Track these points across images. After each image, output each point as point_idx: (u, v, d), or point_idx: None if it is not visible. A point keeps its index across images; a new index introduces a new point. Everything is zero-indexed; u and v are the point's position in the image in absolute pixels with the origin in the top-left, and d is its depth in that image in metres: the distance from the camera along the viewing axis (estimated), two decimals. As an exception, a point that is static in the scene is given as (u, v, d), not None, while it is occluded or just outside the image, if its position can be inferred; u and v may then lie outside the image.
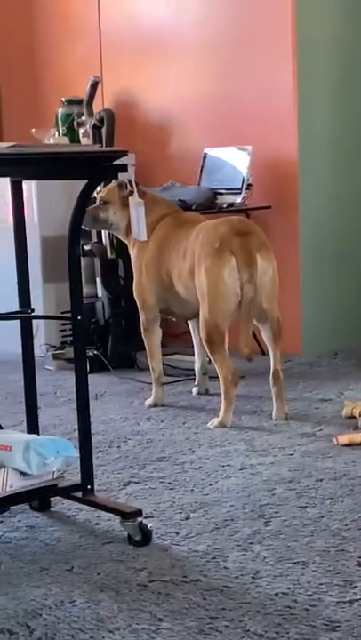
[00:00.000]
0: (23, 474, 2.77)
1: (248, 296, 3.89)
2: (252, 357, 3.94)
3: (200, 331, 4.06)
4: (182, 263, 4.16)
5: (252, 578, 2.49)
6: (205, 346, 4.03)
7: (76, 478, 3.04)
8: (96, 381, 4.81)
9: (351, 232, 5.55)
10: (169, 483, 3.29)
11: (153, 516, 2.97)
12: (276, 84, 5.29)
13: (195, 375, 4.60)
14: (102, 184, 4.55)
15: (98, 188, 4.47)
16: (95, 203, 4.42)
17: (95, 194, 4.45)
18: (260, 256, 3.94)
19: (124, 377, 4.95)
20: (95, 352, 5.09)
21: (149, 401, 4.40)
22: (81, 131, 5.46)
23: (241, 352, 3.90)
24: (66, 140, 5.62)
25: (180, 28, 5.78)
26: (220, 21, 5.57)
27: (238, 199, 5.21)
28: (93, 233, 5.20)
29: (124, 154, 2.77)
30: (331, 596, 2.37)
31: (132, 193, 4.17)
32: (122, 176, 2.90)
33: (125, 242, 4.49)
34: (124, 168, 2.74)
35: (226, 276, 3.91)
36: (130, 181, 4.12)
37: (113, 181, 4.45)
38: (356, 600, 2.33)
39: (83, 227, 3.06)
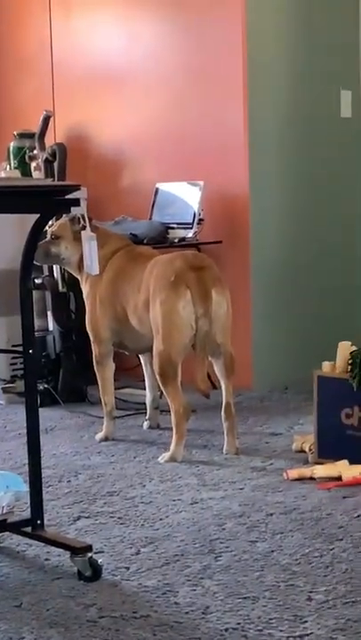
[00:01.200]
0: (-28, 509, 2.74)
1: (203, 330, 3.91)
2: (209, 394, 3.95)
3: (153, 363, 4.06)
4: (137, 297, 4.17)
5: (203, 613, 2.49)
6: (158, 378, 4.04)
7: (26, 513, 3.02)
8: (47, 415, 4.78)
9: (302, 267, 5.59)
10: (119, 517, 3.28)
11: (103, 551, 2.95)
12: (228, 119, 5.34)
13: (146, 409, 4.60)
14: (54, 218, 4.56)
15: (50, 223, 4.47)
16: (46, 237, 4.42)
17: (47, 227, 4.45)
18: (215, 291, 3.97)
19: (74, 411, 4.93)
20: (46, 386, 5.07)
21: (100, 435, 4.39)
22: (33, 164, 5.47)
23: (198, 388, 3.91)
24: (17, 174, 5.63)
25: (133, 62, 5.82)
26: (172, 57, 5.62)
27: (190, 234, 5.24)
28: (45, 266, 5.20)
29: (76, 188, 2.77)
30: (281, 631, 2.37)
31: (84, 227, 4.18)
32: (74, 210, 2.90)
33: (77, 276, 4.49)
34: (76, 202, 2.75)
35: (181, 309, 3.93)
36: (82, 216, 4.13)
37: (64, 216, 4.46)
38: (307, 635, 2.34)
39: (34, 262, 3.06)
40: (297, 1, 5.52)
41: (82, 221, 4.20)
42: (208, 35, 5.43)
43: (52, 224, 4.49)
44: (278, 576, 2.72)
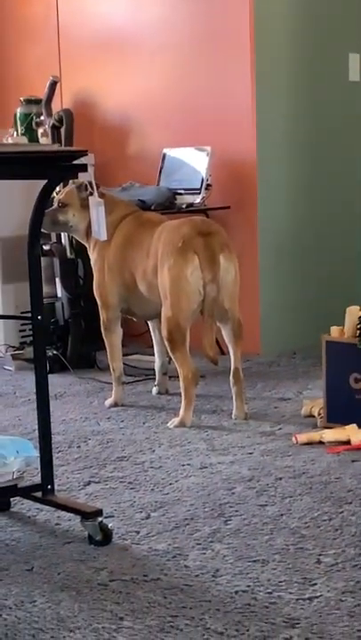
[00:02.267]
0: (-17, 474, 2.76)
1: (211, 296, 3.91)
2: (217, 360, 3.96)
3: (162, 329, 4.07)
4: (146, 262, 4.17)
5: (212, 576, 2.51)
6: (167, 344, 4.04)
7: (36, 478, 3.04)
8: (56, 381, 4.80)
9: (310, 232, 5.58)
10: (129, 482, 3.30)
11: (113, 516, 2.97)
12: (235, 84, 5.31)
13: (155, 375, 4.61)
14: (61, 185, 4.55)
15: (57, 189, 4.46)
16: (53, 205, 4.41)
17: (55, 194, 4.45)
18: (223, 256, 3.97)
19: (83, 377, 4.95)
20: (55, 352, 5.08)
21: (110, 401, 4.40)
22: (40, 130, 5.45)
23: (206, 354, 3.91)
24: (24, 140, 5.61)
25: (140, 28, 5.78)
26: (179, 22, 5.58)
27: (197, 199, 5.23)
28: (53, 233, 5.19)
29: (83, 153, 2.76)
30: (290, 593, 2.38)
31: (91, 194, 4.16)
32: (81, 176, 2.89)
33: (85, 244, 4.49)
34: (83, 168, 2.74)
35: (189, 275, 3.93)
36: (90, 182, 4.12)
37: (71, 183, 4.45)
38: (316, 597, 2.35)
39: (42, 229, 3.06)
40: None
41: (89, 188, 4.19)
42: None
43: (59, 191, 4.48)
44: (287, 539, 2.73)
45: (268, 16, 5.29)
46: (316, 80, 5.56)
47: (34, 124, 5.53)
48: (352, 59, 5.69)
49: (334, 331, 3.88)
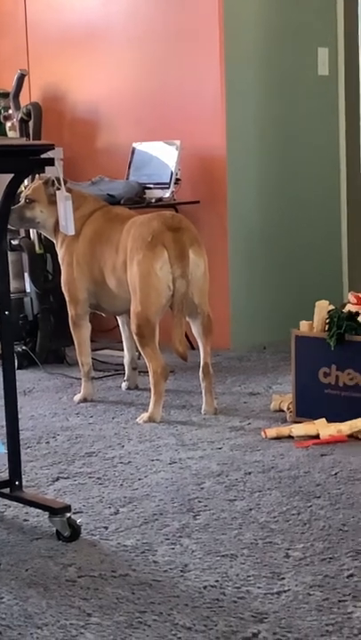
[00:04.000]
0: None
1: (180, 291, 3.91)
2: (187, 355, 3.95)
3: (131, 324, 4.05)
4: (115, 257, 4.15)
5: (181, 571, 2.50)
6: (136, 339, 4.03)
7: (4, 474, 3.02)
8: (25, 377, 4.78)
9: (280, 227, 5.59)
10: (98, 478, 3.29)
11: (82, 512, 2.96)
12: (205, 79, 5.31)
13: (124, 370, 4.60)
14: (30, 178, 4.52)
15: (25, 183, 4.44)
16: (20, 201, 4.38)
17: (22, 189, 4.42)
18: (193, 251, 3.96)
19: (52, 372, 4.93)
20: (24, 347, 5.06)
21: (79, 396, 4.39)
22: (8, 124, 5.42)
23: (176, 349, 3.91)
24: (-7, 134, 5.58)
25: (109, 21, 5.76)
26: (148, 15, 5.57)
27: (167, 194, 5.22)
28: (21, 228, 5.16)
29: (50, 147, 2.75)
30: (259, 588, 2.38)
31: (58, 189, 4.14)
32: (49, 170, 2.88)
33: (53, 239, 4.47)
34: (51, 162, 2.73)
35: (158, 270, 3.92)
36: (57, 178, 4.10)
37: (38, 179, 4.43)
38: (284, 591, 2.35)
39: (9, 226, 3.04)
40: None
41: (56, 183, 4.17)
42: (184, -8, 5.38)
43: (27, 187, 4.46)
44: (256, 534, 2.73)
45: (238, 10, 5.29)
46: (285, 74, 5.56)
47: (1, 117, 5.50)
48: (321, 53, 5.70)
49: (304, 325, 3.88)
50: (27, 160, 2.75)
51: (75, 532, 2.75)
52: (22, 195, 4.39)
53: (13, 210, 4.15)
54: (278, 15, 5.50)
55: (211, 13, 5.23)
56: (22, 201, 4.39)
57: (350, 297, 3.91)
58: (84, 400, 4.36)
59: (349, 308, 3.79)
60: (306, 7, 5.63)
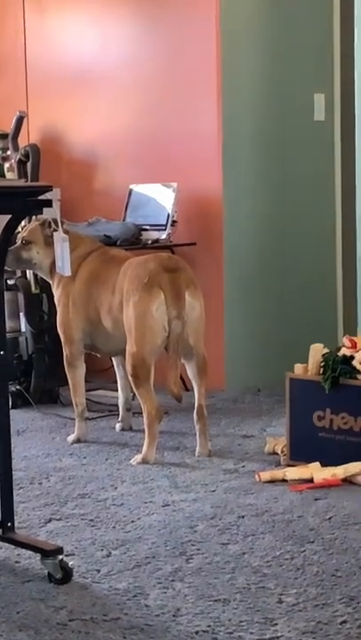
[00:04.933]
0: None
1: (176, 332, 3.91)
2: (181, 397, 3.95)
3: (126, 364, 4.05)
4: (111, 298, 4.16)
5: (173, 616, 2.48)
6: (131, 380, 4.03)
7: (-3, 515, 3.00)
8: (18, 417, 4.77)
9: (275, 269, 5.60)
10: (91, 520, 3.27)
11: (74, 554, 2.94)
12: (202, 121, 5.34)
13: (118, 411, 4.59)
14: (27, 219, 4.54)
15: (22, 224, 4.45)
16: (17, 242, 4.39)
17: (19, 230, 4.44)
18: (189, 293, 3.97)
19: (46, 412, 4.92)
20: (18, 387, 5.05)
21: (72, 437, 4.37)
22: (6, 165, 5.45)
23: (170, 391, 3.91)
24: (-9, 174, 5.60)
25: (107, 63, 5.81)
26: (146, 58, 5.62)
27: (163, 235, 5.24)
28: (17, 268, 5.18)
29: (48, 189, 2.77)
30: (251, 633, 2.36)
31: (55, 230, 4.16)
32: (47, 211, 2.89)
33: (49, 280, 4.48)
34: (48, 203, 2.74)
35: (154, 311, 3.93)
36: (54, 220, 4.12)
37: (34, 220, 4.45)
38: (277, 637, 2.34)
39: (6, 267, 3.05)
40: (270, 6, 5.53)
41: (53, 225, 4.19)
42: (182, 37, 5.44)
43: (23, 228, 4.48)
44: (249, 578, 2.72)
45: (235, 55, 5.34)
46: (281, 119, 5.60)
47: (0, 158, 5.53)
48: (317, 99, 5.75)
49: (298, 368, 3.89)
50: (25, 201, 2.77)
51: (66, 574, 2.73)
52: (19, 236, 4.41)
53: (10, 251, 4.17)
54: (275, 60, 5.56)
55: (208, 57, 5.28)
56: (19, 242, 4.40)
57: (345, 340, 3.91)
58: (78, 440, 4.35)
59: (344, 351, 3.80)
60: (302, 53, 5.68)
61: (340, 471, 3.61)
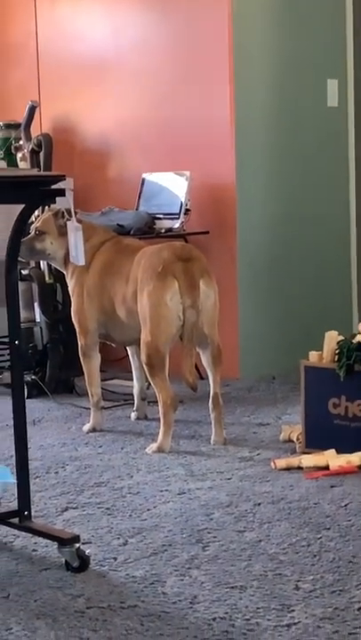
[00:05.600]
0: None
1: (190, 321, 3.91)
2: (196, 386, 3.95)
3: (141, 354, 4.06)
4: (125, 288, 4.16)
5: (190, 603, 2.49)
6: (146, 369, 4.03)
7: (14, 504, 3.02)
8: (34, 407, 4.78)
9: (289, 257, 5.59)
10: (107, 508, 3.28)
11: (91, 542, 2.95)
12: (215, 109, 5.33)
13: (133, 400, 4.60)
14: (40, 210, 4.54)
15: (36, 213, 4.45)
16: (30, 233, 4.40)
17: (32, 220, 4.44)
18: (203, 281, 3.97)
19: (62, 402, 4.93)
20: (33, 377, 5.06)
21: (88, 426, 4.38)
22: (19, 155, 5.45)
23: (185, 380, 3.91)
24: (3, 164, 5.61)
25: (119, 53, 5.80)
26: (159, 47, 5.61)
27: (176, 224, 5.24)
28: (31, 258, 5.18)
29: (61, 178, 2.76)
30: (268, 620, 2.37)
31: (69, 219, 4.15)
32: (60, 200, 2.89)
33: (63, 271, 4.48)
34: (61, 192, 2.74)
35: (168, 300, 3.93)
36: (67, 210, 4.11)
37: (47, 211, 4.45)
38: (294, 624, 2.34)
39: (20, 258, 3.05)
40: (283, -10, 5.52)
41: (66, 215, 4.18)
42: (194, 25, 5.42)
43: (37, 219, 4.48)
44: (266, 565, 2.72)
45: (247, 42, 5.32)
46: (294, 105, 5.59)
47: (13, 148, 5.53)
48: (330, 84, 5.73)
49: (313, 356, 3.88)
50: (38, 191, 2.77)
51: (83, 562, 2.74)
52: (32, 227, 4.41)
53: (23, 242, 4.16)
54: (288, 47, 5.54)
55: (221, 45, 5.27)
56: (32, 233, 4.40)
57: (360, 327, 3.91)
58: (93, 430, 4.36)
59: (359, 338, 3.79)
60: (316, 39, 5.66)
61: (356, 458, 3.60)
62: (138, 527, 3.08)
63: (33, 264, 5.22)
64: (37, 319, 5.26)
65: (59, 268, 4.52)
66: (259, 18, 5.41)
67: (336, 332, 3.85)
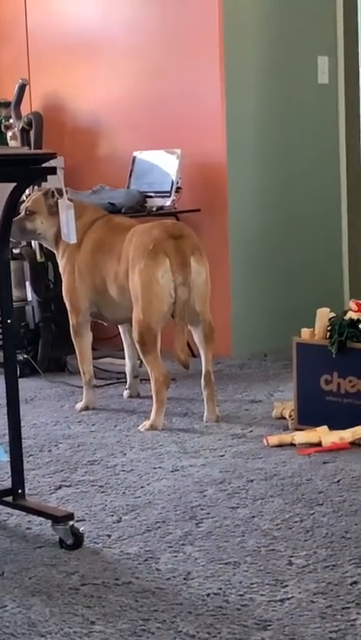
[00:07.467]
0: None
1: (182, 299, 3.92)
2: (188, 363, 3.96)
3: (133, 332, 4.06)
4: (117, 266, 4.16)
5: (184, 579, 2.50)
6: (138, 347, 4.04)
7: (7, 483, 3.02)
8: (26, 385, 4.78)
9: (280, 234, 5.59)
10: (100, 486, 3.29)
11: (84, 520, 2.96)
12: (205, 87, 5.32)
13: (126, 378, 4.60)
14: (30, 189, 4.53)
15: (26, 192, 4.44)
16: (20, 213, 4.38)
17: (23, 197, 4.42)
18: (194, 259, 3.97)
19: (54, 381, 4.93)
20: (25, 356, 5.06)
21: (80, 404, 4.39)
22: (9, 133, 5.43)
23: (177, 358, 3.91)
24: (-6, 143, 5.59)
25: (109, 30, 5.78)
26: (148, 24, 5.58)
27: (168, 202, 5.23)
28: (22, 236, 5.17)
29: (52, 156, 2.76)
30: (262, 595, 2.38)
31: (60, 198, 4.14)
32: (50, 179, 2.88)
33: (54, 250, 4.47)
34: (53, 170, 2.73)
35: (160, 277, 3.93)
36: (57, 189, 4.10)
37: (37, 190, 4.43)
38: (288, 599, 2.36)
39: (10, 238, 3.04)
40: (273, -34, 5.49)
41: (56, 194, 4.18)
42: (184, 2, 5.39)
43: (27, 198, 4.46)
44: (259, 541, 2.73)
45: (238, 19, 5.30)
46: (285, 83, 5.57)
47: (2, 126, 5.51)
48: (321, 61, 5.71)
49: (305, 332, 3.89)
50: (29, 169, 2.76)
51: (77, 540, 2.75)
52: (22, 207, 4.40)
53: (14, 222, 4.13)
54: (278, 24, 5.52)
55: (210, 22, 5.24)
56: (22, 213, 4.39)
57: (351, 304, 3.91)
58: (86, 408, 4.36)
59: (350, 315, 3.80)
60: (306, 16, 5.64)
61: (349, 434, 3.62)
62: (131, 504, 3.09)
63: (24, 243, 5.21)
64: (29, 298, 5.26)
65: (50, 247, 4.52)
66: (249, -6, 5.38)
67: (328, 309, 3.86)
